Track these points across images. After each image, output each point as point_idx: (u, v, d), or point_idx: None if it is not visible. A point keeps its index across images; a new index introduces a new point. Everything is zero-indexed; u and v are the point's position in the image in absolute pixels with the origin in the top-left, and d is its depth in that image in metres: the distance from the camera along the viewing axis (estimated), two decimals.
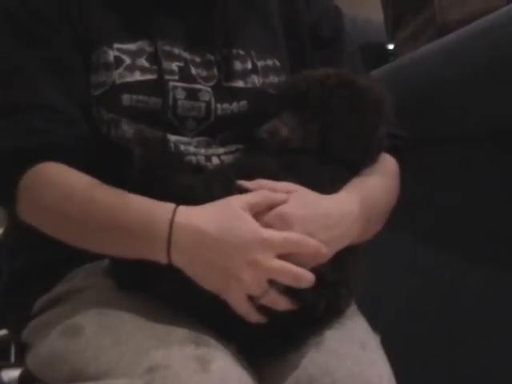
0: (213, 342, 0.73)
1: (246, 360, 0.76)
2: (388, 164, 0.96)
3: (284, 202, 0.77)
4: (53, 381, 0.79)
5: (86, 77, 0.88)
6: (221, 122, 0.92)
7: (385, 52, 1.55)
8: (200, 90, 0.91)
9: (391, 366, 0.81)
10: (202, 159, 0.89)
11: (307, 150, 0.87)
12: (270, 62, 0.98)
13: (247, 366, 0.75)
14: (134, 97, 0.87)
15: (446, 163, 1.19)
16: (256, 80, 0.96)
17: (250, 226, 0.74)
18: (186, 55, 0.92)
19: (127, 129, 0.87)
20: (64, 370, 0.75)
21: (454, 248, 1.18)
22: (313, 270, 0.74)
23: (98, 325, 0.77)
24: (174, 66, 0.91)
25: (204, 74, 0.93)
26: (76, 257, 0.85)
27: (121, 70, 0.87)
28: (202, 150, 0.90)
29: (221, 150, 0.92)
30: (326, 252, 0.76)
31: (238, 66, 0.95)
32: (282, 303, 0.74)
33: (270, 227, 0.75)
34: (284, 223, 0.76)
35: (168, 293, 0.77)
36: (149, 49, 0.90)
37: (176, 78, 0.90)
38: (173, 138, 0.89)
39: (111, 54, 0.88)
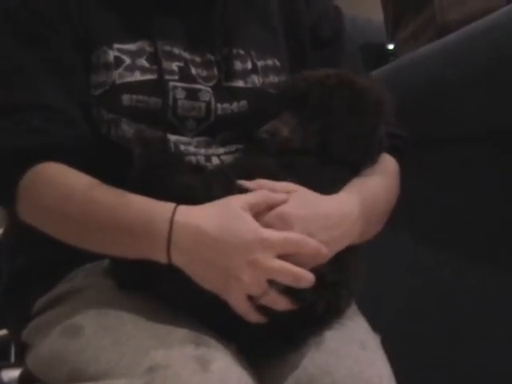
0: (213, 342, 0.73)
1: (246, 360, 0.76)
2: (388, 164, 0.96)
3: (284, 202, 0.77)
4: (53, 381, 0.79)
5: (86, 77, 0.88)
6: (221, 122, 0.92)
7: (385, 52, 1.55)
8: (200, 90, 0.91)
9: (391, 366, 0.81)
10: (201, 159, 0.89)
11: (307, 151, 0.87)
12: (270, 62, 0.98)
13: (247, 366, 0.75)
14: (134, 97, 0.87)
15: (446, 163, 1.19)
16: (256, 80, 0.96)
17: (250, 226, 0.74)
18: (186, 55, 0.92)
19: (127, 129, 0.87)
20: (64, 370, 0.75)
21: (453, 248, 1.18)
22: (313, 270, 0.74)
23: (98, 325, 0.77)
24: (174, 65, 0.91)
25: (204, 73, 0.93)
26: (76, 257, 0.85)
27: (121, 70, 0.87)
28: (202, 150, 0.90)
29: (221, 150, 0.92)
30: (326, 252, 0.76)
31: (238, 65, 0.95)
32: (281, 303, 0.74)
33: (270, 227, 0.75)
34: (284, 223, 0.76)
35: (168, 293, 0.77)
36: (149, 49, 0.90)
37: (176, 77, 0.90)
38: (173, 137, 0.89)
39: (111, 54, 0.88)
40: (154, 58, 0.89)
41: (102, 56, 0.88)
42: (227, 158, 0.91)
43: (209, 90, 0.92)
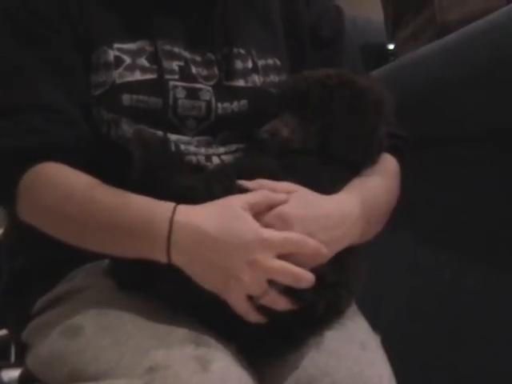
0: (213, 342, 0.73)
1: (246, 360, 0.76)
2: (388, 164, 0.96)
3: (284, 202, 0.77)
4: (53, 381, 0.79)
5: (86, 77, 0.88)
6: (221, 122, 0.92)
7: (385, 52, 1.55)
8: (200, 90, 0.91)
9: (391, 366, 0.81)
10: (202, 159, 0.89)
11: (307, 151, 0.87)
12: (270, 61, 0.98)
13: (247, 366, 0.75)
14: (134, 96, 0.87)
15: (446, 163, 1.19)
16: (256, 79, 0.96)
17: (250, 226, 0.74)
18: (187, 54, 0.92)
19: (127, 129, 0.86)
20: (64, 370, 0.75)
21: (454, 248, 1.18)
22: (313, 270, 0.74)
23: (98, 325, 0.77)
24: (175, 65, 0.90)
25: (204, 73, 0.93)
26: (76, 257, 0.85)
27: (121, 69, 0.87)
28: (203, 150, 0.90)
29: (221, 150, 0.92)
30: (326, 252, 0.76)
31: (238, 64, 0.95)
32: (281, 303, 0.74)
33: (270, 227, 0.75)
34: (284, 223, 0.76)
35: (168, 293, 0.77)
36: (149, 48, 0.90)
37: (176, 77, 0.90)
38: (173, 137, 0.89)
39: (111, 54, 0.88)
40: (154, 58, 0.89)
41: (102, 56, 0.88)
42: (227, 158, 0.91)
43: (209, 89, 0.92)
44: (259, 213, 0.76)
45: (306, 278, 0.73)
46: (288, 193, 0.79)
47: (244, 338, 0.76)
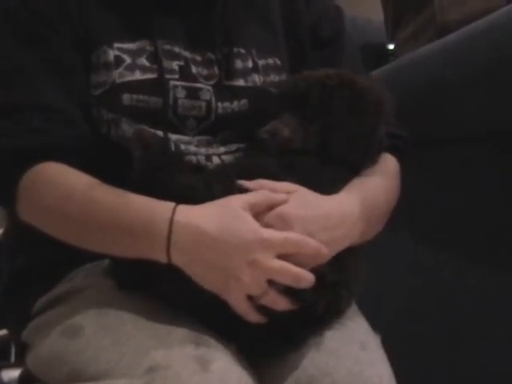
0: (213, 342, 0.73)
1: (246, 360, 0.76)
2: (388, 164, 0.96)
3: (284, 202, 0.77)
4: (53, 381, 0.79)
5: (86, 77, 0.88)
6: (221, 121, 0.92)
7: (385, 52, 1.55)
8: (201, 89, 0.91)
9: (391, 366, 0.81)
10: (202, 159, 0.89)
11: (308, 151, 0.87)
12: (270, 61, 0.98)
13: (247, 366, 0.75)
14: (135, 96, 0.87)
15: (446, 163, 1.19)
16: (257, 79, 0.96)
17: (250, 226, 0.74)
18: (187, 54, 0.92)
19: (127, 128, 0.86)
20: (64, 370, 0.75)
21: (454, 248, 1.18)
22: (313, 270, 0.74)
23: (98, 325, 0.77)
24: (175, 64, 0.90)
25: (205, 72, 0.93)
26: (76, 257, 0.85)
27: (121, 69, 0.87)
28: (203, 150, 0.90)
29: (221, 150, 0.92)
30: (326, 252, 0.76)
31: (238, 64, 0.95)
32: (281, 303, 0.74)
33: (270, 227, 0.75)
34: (284, 223, 0.76)
35: (168, 293, 0.77)
36: (149, 48, 0.90)
37: (176, 76, 0.90)
38: (174, 137, 0.89)
39: (111, 54, 0.88)
40: (155, 57, 0.89)
41: (102, 56, 0.88)
42: (228, 158, 0.91)
43: (209, 88, 0.92)
44: (259, 213, 0.76)
45: (306, 278, 0.73)
46: (288, 193, 0.79)
47: (244, 337, 0.76)
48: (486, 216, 1.10)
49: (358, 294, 0.86)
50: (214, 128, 0.92)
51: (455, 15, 1.25)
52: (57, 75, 0.87)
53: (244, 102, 0.93)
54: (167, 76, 0.89)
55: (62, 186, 0.81)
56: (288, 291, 0.73)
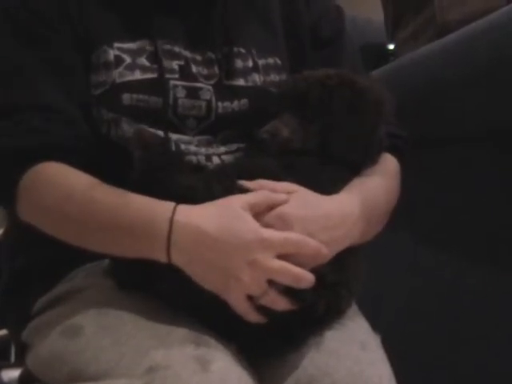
0: (213, 342, 0.73)
1: (246, 360, 0.76)
2: (388, 164, 0.96)
3: (284, 202, 0.77)
4: (53, 381, 0.79)
5: (86, 77, 0.88)
6: (221, 121, 0.92)
7: (385, 52, 1.55)
8: (201, 89, 0.91)
9: (391, 366, 0.81)
10: (202, 159, 0.89)
11: (308, 151, 0.87)
12: (271, 61, 0.98)
13: (247, 366, 0.75)
14: (135, 96, 0.87)
15: (446, 163, 1.19)
16: (257, 78, 0.96)
17: (250, 226, 0.74)
18: (187, 54, 0.92)
19: (127, 128, 0.86)
20: (64, 370, 0.75)
21: (454, 248, 1.18)
22: (313, 270, 0.74)
23: (98, 325, 0.77)
24: (175, 64, 0.90)
25: (205, 72, 0.93)
26: (76, 257, 0.85)
27: (121, 69, 0.87)
28: (203, 149, 0.90)
29: (221, 149, 0.92)
30: (326, 252, 0.76)
31: (238, 64, 0.95)
32: (281, 303, 0.74)
33: (270, 227, 0.75)
34: (284, 223, 0.76)
35: (168, 293, 0.77)
36: (149, 48, 0.90)
37: (176, 76, 0.90)
38: (174, 136, 0.89)
39: (111, 53, 0.88)
40: (155, 57, 0.89)
41: (102, 55, 0.88)
42: (228, 158, 0.91)
43: (209, 88, 0.92)
44: (259, 213, 0.76)
45: (306, 278, 0.73)
46: (288, 193, 0.79)
47: (244, 337, 0.76)
48: (486, 216, 1.10)
49: (358, 294, 0.86)
50: (214, 128, 0.92)
51: (455, 15, 1.25)
52: (57, 75, 0.87)
53: (244, 101, 0.93)
54: (167, 76, 0.89)
55: (62, 186, 0.81)
56: (288, 291, 0.73)
